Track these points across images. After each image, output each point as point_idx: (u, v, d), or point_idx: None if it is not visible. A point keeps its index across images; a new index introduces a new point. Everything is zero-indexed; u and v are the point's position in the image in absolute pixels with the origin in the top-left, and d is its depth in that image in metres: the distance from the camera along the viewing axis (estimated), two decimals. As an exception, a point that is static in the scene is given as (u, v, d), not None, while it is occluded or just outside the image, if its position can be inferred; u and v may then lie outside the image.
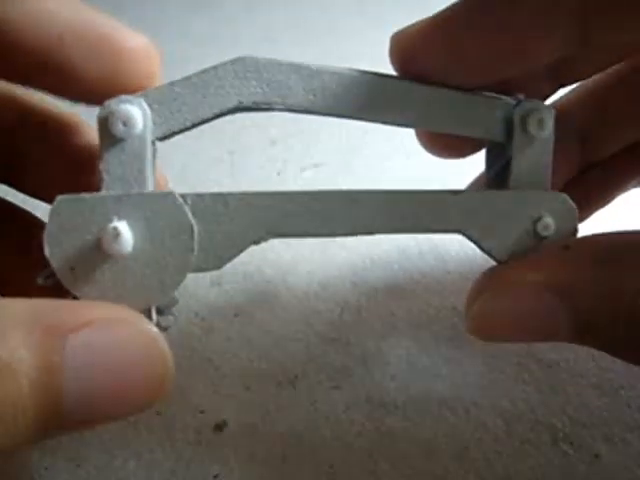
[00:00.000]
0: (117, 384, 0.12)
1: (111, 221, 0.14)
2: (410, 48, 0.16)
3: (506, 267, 0.16)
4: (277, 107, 0.16)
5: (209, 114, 0.15)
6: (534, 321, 0.15)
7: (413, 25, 0.17)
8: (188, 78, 0.15)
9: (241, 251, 0.15)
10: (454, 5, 0.16)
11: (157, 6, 0.63)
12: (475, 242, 0.16)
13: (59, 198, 0.14)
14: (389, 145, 0.36)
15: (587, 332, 0.15)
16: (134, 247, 0.14)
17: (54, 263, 0.14)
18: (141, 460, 0.21)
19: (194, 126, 0.15)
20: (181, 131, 0.15)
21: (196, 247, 0.14)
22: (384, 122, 0.16)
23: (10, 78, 0.15)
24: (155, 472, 0.21)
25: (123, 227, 0.13)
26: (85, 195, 0.14)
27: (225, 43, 0.53)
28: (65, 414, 0.12)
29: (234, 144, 0.38)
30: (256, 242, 0.15)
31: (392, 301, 0.27)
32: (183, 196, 0.14)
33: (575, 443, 0.21)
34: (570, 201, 0.16)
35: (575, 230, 0.16)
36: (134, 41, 0.14)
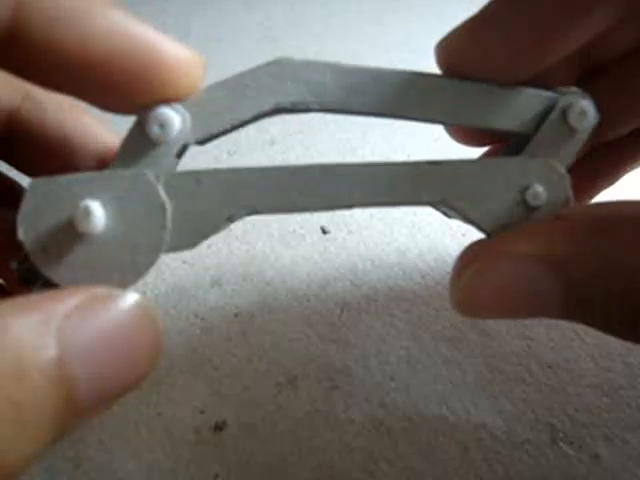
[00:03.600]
0: (122, 357, 0.12)
1: (83, 200, 0.13)
2: (453, 54, 0.16)
3: (495, 239, 0.16)
4: (314, 107, 0.16)
5: (247, 116, 0.15)
6: (523, 296, 0.14)
7: (454, 30, 0.16)
8: (225, 81, 0.15)
9: (215, 229, 0.15)
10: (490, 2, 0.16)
11: (157, 6, 0.63)
12: (460, 213, 0.16)
13: (33, 180, 0.14)
14: (389, 145, 0.36)
15: (578, 307, 0.14)
16: (107, 226, 0.14)
17: (27, 245, 0.13)
18: (141, 460, 0.21)
19: (233, 129, 0.16)
20: (220, 134, 0.16)
21: (169, 226, 0.14)
22: (420, 119, 0.16)
23: (55, 90, 0.15)
24: (155, 472, 0.21)
25: (94, 205, 0.13)
26: (58, 176, 0.14)
27: (225, 43, 0.54)
28: (80, 402, 0.11)
29: (234, 144, 0.38)
30: (231, 219, 0.15)
31: (392, 302, 0.27)
32: (156, 175, 0.14)
33: (575, 443, 0.21)
34: (560, 168, 0.16)
35: (568, 199, 0.16)
36: (176, 54, 0.14)
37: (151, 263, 0.14)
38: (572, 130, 0.16)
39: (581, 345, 0.24)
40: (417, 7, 0.60)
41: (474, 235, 0.16)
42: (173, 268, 0.29)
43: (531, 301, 0.14)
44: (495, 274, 0.15)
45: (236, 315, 0.26)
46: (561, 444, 0.21)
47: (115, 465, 0.21)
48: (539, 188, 0.15)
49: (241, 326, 0.26)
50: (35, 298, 0.12)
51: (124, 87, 0.14)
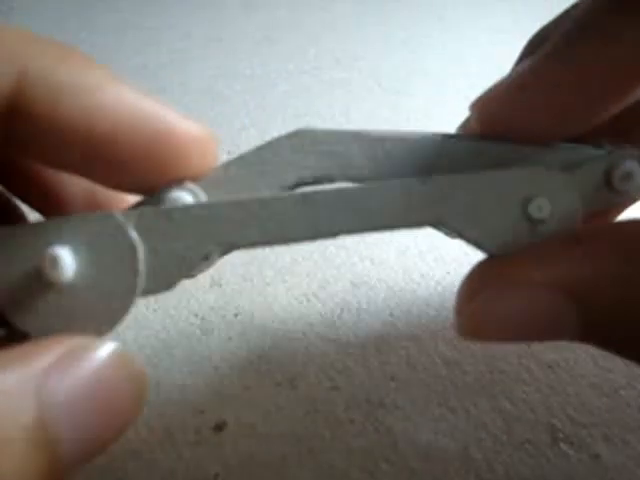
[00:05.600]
0: (105, 411, 0.12)
1: (51, 247, 0.13)
2: (493, 114, 0.15)
3: (507, 261, 0.14)
4: (339, 179, 0.15)
5: (268, 194, 0.15)
6: (540, 322, 0.13)
7: (492, 88, 0.15)
8: (243, 157, 0.15)
9: (191, 268, 0.14)
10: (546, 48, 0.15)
11: (157, 6, 0.63)
12: (458, 233, 0.14)
13: None
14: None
15: (597, 333, 0.13)
16: (77, 273, 0.13)
17: None
18: (141, 460, 0.21)
19: None
20: None
21: (142, 268, 0.13)
22: None
23: (59, 169, 0.14)
24: (155, 472, 0.21)
25: (62, 252, 0.13)
26: (26, 223, 0.13)
27: (225, 43, 0.54)
28: (64, 462, 0.11)
29: (233, 146, 0.38)
30: (207, 257, 0.14)
31: (392, 301, 0.27)
32: (125, 215, 0.13)
33: (575, 443, 0.21)
34: (565, 175, 0.14)
35: (577, 210, 0.14)
36: (187, 129, 0.14)
37: (126, 309, 0.13)
38: (614, 192, 0.15)
39: (581, 345, 0.24)
40: (418, 8, 0.60)
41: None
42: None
43: (545, 328, 0.14)
44: (507, 303, 0.14)
45: (236, 315, 0.26)
46: (561, 444, 0.21)
47: (115, 465, 0.21)
48: (543, 199, 0.14)
49: (241, 326, 0.26)
50: (11, 354, 0.11)
51: (133, 165, 0.13)
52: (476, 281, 0.15)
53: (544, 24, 0.19)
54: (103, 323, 0.13)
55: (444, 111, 0.40)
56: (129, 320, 0.25)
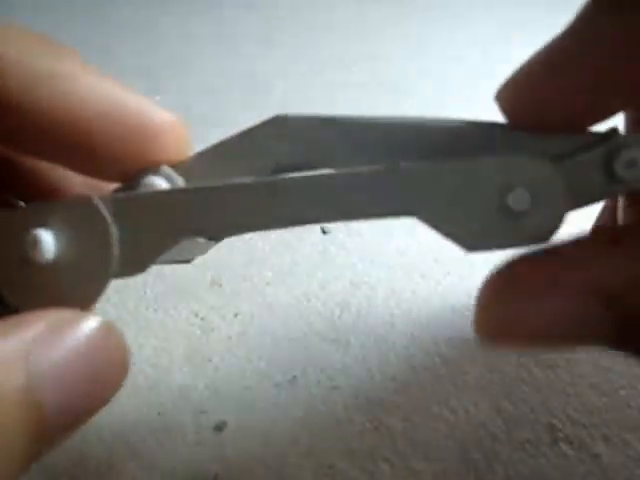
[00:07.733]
0: (89, 380, 0.12)
1: (34, 230, 0.14)
2: (523, 98, 0.14)
3: (535, 263, 0.13)
4: (317, 166, 0.15)
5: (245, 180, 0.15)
6: (572, 327, 0.13)
7: (515, 73, 0.15)
8: (220, 144, 0.15)
9: (161, 253, 0.14)
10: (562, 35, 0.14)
11: (157, 7, 0.63)
12: (433, 227, 0.14)
13: None
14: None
15: (633, 340, 0.13)
16: (58, 254, 0.14)
17: None
18: (141, 460, 0.21)
19: None
20: None
21: (116, 251, 0.14)
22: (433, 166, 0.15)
23: (35, 156, 0.15)
24: (155, 472, 0.21)
25: (44, 235, 0.14)
26: (14, 208, 0.14)
27: (225, 43, 0.54)
28: (50, 426, 0.12)
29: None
30: (177, 242, 0.14)
31: (391, 301, 0.27)
32: (103, 199, 0.14)
33: (575, 443, 0.21)
34: (550, 164, 0.13)
35: (560, 199, 0.13)
36: (161, 119, 0.14)
37: (101, 290, 0.14)
38: (617, 180, 0.14)
39: (581, 345, 0.24)
40: (418, 8, 0.60)
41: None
42: (173, 268, 0.29)
43: (578, 333, 0.13)
44: (538, 307, 0.13)
45: (236, 315, 0.26)
46: (561, 444, 0.21)
47: (115, 465, 0.21)
48: (522, 189, 0.13)
49: (241, 326, 0.26)
50: (4, 325, 0.12)
51: (109, 153, 0.14)
52: (502, 284, 0.14)
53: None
54: (82, 300, 0.14)
55: (444, 111, 0.40)
56: (129, 320, 0.25)
